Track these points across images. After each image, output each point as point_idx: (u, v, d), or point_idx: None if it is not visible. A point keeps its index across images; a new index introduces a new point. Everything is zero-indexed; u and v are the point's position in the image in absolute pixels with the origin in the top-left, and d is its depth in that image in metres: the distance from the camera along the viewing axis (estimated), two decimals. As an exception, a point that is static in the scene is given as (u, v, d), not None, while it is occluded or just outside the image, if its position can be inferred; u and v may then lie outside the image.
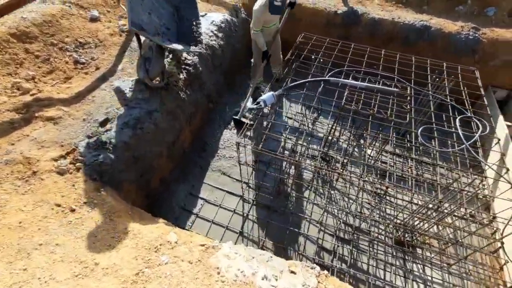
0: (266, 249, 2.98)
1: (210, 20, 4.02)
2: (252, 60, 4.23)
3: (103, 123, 2.75)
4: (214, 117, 4.15)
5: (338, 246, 3.02)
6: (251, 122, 3.34)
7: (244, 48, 4.39)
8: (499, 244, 2.54)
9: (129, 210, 2.40)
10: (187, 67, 3.44)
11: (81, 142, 2.59)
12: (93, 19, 3.71)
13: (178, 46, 3.02)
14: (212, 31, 3.91)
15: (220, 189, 3.43)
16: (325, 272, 1.91)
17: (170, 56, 3.46)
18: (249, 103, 4.23)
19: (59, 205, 2.12)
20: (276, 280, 1.74)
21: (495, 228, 2.97)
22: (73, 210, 2.12)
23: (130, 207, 2.47)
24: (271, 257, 1.96)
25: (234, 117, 3.85)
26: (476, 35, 4.06)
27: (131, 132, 2.74)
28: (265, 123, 4.05)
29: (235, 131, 3.95)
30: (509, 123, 3.73)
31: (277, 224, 3.12)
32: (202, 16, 4.11)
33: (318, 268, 1.92)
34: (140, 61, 2.97)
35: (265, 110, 3.98)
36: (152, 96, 3.03)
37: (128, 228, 2.10)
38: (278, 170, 3.45)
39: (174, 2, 3.28)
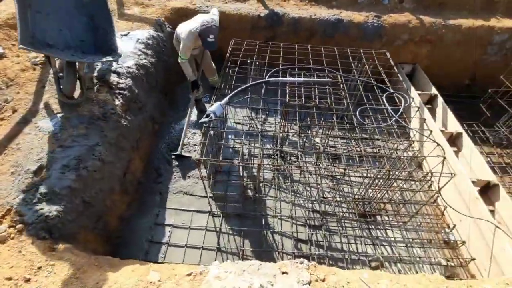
0: (246, 257, 2.98)
1: (135, 39, 3.80)
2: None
3: (37, 172, 2.39)
4: (161, 138, 3.95)
5: (312, 234, 3.18)
6: (194, 156, 3.40)
7: (176, 61, 4.28)
8: (437, 195, 3.01)
9: (94, 261, 2.14)
10: (121, 91, 3.20)
11: (16, 199, 2.21)
12: (-4, 56, 3.18)
13: (84, 59, 2.90)
14: (140, 50, 3.71)
15: (186, 210, 3.29)
16: (313, 262, 2.01)
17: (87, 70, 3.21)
18: (194, 116, 4.17)
19: (10, 279, 1.79)
20: (272, 285, 1.77)
21: (430, 182, 3.51)
22: (27, 280, 1.81)
23: (93, 257, 2.21)
24: (260, 264, 1.98)
25: (174, 153, 3.70)
26: (379, 21, 4.70)
27: (74, 174, 2.44)
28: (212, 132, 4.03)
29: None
30: (420, 92, 4.43)
31: (251, 229, 3.15)
32: (125, 35, 3.87)
33: (305, 261, 2.01)
34: (54, 79, 2.85)
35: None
36: (89, 129, 2.74)
37: (101, 281, 1.88)
38: (240, 177, 3.47)
39: (88, 9, 3.03)
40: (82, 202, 2.44)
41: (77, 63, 2.90)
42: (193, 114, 4.36)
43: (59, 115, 2.80)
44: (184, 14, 4.42)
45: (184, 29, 3.55)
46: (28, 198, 2.24)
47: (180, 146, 3.66)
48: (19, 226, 2.12)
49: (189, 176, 3.55)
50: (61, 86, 2.86)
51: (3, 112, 2.89)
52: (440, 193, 2.99)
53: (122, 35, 3.81)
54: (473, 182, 3.26)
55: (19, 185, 2.30)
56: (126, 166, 3.07)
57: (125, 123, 3.07)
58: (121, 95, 3.16)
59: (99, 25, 3.05)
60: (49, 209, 2.21)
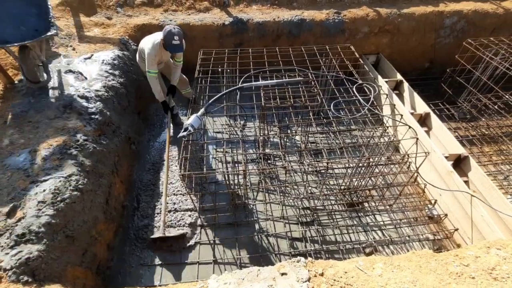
0: (245, 265, 2.95)
1: (100, 61, 3.69)
2: None
3: (10, 213, 2.24)
4: (141, 158, 3.85)
5: (305, 231, 3.22)
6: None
7: (146, 79, 4.20)
8: (416, 174, 3.16)
9: (86, 296, 2.03)
10: (92, 116, 3.08)
11: (-11, 246, 2.05)
12: None
13: (33, 39, 3.04)
14: (106, 71, 3.59)
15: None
16: (310, 259, 2.03)
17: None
18: (172, 130, 4.09)
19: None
20: (274, 288, 1.76)
21: (408, 163, 3.68)
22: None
23: (85, 293, 2.10)
24: (258, 270, 1.97)
25: (152, 236, 3.01)
26: (340, 17, 4.89)
27: (52, 209, 2.31)
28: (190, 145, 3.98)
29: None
30: (386, 79, 4.64)
31: (245, 236, 3.13)
32: (89, 58, 3.74)
33: (302, 259, 2.03)
34: (20, 68, 3.21)
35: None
36: (62, 160, 2.61)
37: (96, 316, 1.78)
38: (227, 185, 3.45)
39: None
40: (65, 237, 2.31)
41: (30, 49, 3.09)
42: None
43: (27, 150, 2.65)
44: (148, 30, 4.35)
45: (146, 42, 3.44)
46: (3, 242, 2.08)
47: (161, 226, 3.00)
48: (-2, 273, 1.97)
49: (174, 194, 3.47)
50: (25, 74, 3.13)
51: (-37, 154, 2.68)
52: (418, 172, 3.15)
53: (85, 59, 3.69)
54: (446, 157, 3.45)
55: (-9, 230, 2.14)
56: (108, 192, 2.94)
57: (100, 148, 2.95)
58: (92, 120, 3.04)
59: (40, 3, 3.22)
60: (29, 250, 2.07)
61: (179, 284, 2.16)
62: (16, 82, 3.36)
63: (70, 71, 3.50)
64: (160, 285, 2.75)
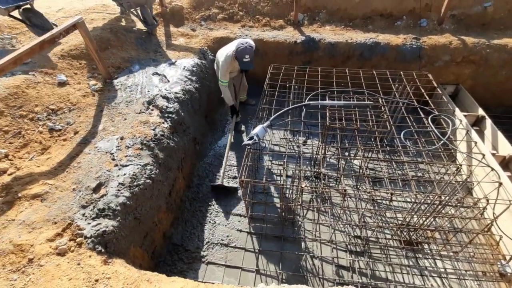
0: (285, 281, 2.92)
1: (182, 66, 4.11)
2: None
3: (96, 189, 2.60)
4: (202, 158, 4.13)
5: (354, 260, 3.06)
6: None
7: (217, 86, 4.55)
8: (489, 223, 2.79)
9: (145, 276, 2.23)
10: (169, 115, 3.44)
11: (76, 214, 2.41)
12: (62, 84, 3.59)
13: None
14: (186, 77, 3.99)
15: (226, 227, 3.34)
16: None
17: None
18: (231, 138, 4.31)
19: (70, 291, 1.92)
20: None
21: (482, 209, 3.26)
22: (88, 292, 1.93)
23: (143, 273, 2.30)
24: (307, 289, 1.94)
25: (213, 183, 3.66)
26: (418, 43, 4.65)
27: (128, 192, 2.62)
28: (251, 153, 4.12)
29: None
30: (465, 113, 4.24)
31: (290, 252, 3.10)
32: (173, 63, 4.20)
33: None
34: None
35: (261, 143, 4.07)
36: (142, 150, 2.95)
37: (154, 296, 1.95)
38: (280, 198, 3.48)
39: None
40: (133, 219, 2.59)
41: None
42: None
43: (115, 137, 3.06)
44: (225, 42, 4.70)
45: (221, 53, 3.83)
46: (87, 213, 2.42)
47: (221, 176, 3.62)
48: (79, 239, 2.28)
49: (226, 199, 3.62)
50: (147, 20, 4.68)
51: (66, 133, 3.22)
52: (496, 222, 2.77)
53: (170, 63, 4.15)
54: (534, 211, 2.98)
55: (79, 201, 2.50)
56: (172, 185, 3.22)
57: (172, 144, 3.26)
58: (169, 118, 3.39)
59: None
60: (106, 224, 2.37)
61: (231, 285, 2.23)
62: (114, 78, 3.93)
63: (157, 73, 3.97)
64: (205, 282, 2.87)
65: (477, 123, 4.36)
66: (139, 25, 4.83)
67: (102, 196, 2.54)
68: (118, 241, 2.39)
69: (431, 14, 4.98)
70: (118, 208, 2.49)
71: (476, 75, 4.69)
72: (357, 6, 5.10)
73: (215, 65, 4.12)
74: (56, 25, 4.28)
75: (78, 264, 2.16)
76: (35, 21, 4.12)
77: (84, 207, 2.47)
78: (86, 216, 2.41)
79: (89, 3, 5.76)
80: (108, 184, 2.64)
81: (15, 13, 3.98)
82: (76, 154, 2.96)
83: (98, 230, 2.33)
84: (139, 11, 4.47)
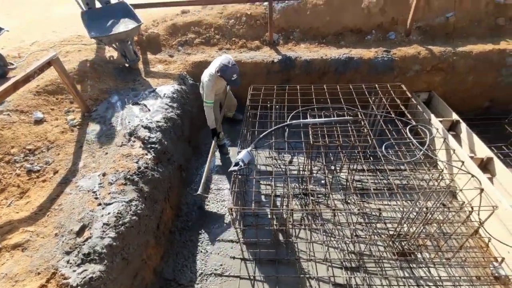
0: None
1: (162, 94, 4.10)
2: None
3: (80, 232, 2.49)
4: (188, 184, 4.06)
5: (350, 277, 3.04)
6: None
7: (199, 110, 4.55)
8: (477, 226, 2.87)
9: (137, 321, 2.13)
10: (152, 145, 3.38)
11: (60, 261, 2.28)
12: (38, 121, 3.49)
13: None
14: (166, 104, 3.97)
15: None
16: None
17: None
18: (218, 161, 4.28)
19: None
20: None
21: (468, 212, 3.36)
22: None
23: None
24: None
25: (195, 193, 3.71)
26: (389, 55, 4.87)
27: (114, 232, 2.51)
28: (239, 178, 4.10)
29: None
30: (440, 119, 4.42)
31: (286, 276, 3.05)
32: (153, 91, 4.18)
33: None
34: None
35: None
36: (126, 185, 2.87)
37: None
38: (270, 219, 3.45)
39: None
40: (121, 260, 2.48)
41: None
42: (217, 159, 4.50)
43: (97, 173, 2.97)
44: (204, 67, 4.73)
45: (205, 74, 3.89)
46: (72, 259, 2.30)
47: (201, 186, 3.65)
48: (64, 289, 2.16)
49: (216, 225, 3.56)
50: (127, 56, 4.62)
51: (45, 174, 3.09)
52: (482, 225, 2.86)
53: (150, 92, 4.13)
54: (515, 210, 3.09)
55: (63, 247, 2.38)
56: (160, 217, 3.13)
57: (157, 176, 3.20)
58: (152, 149, 3.33)
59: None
60: (93, 270, 2.25)
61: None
62: (93, 110, 3.85)
63: (137, 103, 3.93)
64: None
65: (453, 127, 4.55)
66: (117, 54, 4.79)
67: (86, 240, 2.43)
68: (106, 286, 2.28)
69: (398, 27, 5.25)
70: (104, 250, 2.38)
71: (446, 82, 4.94)
72: (328, 24, 5.31)
73: (200, 88, 4.13)
74: (13, 64, 4.45)
75: (65, 317, 2.03)
76: None
77: (68, 253, 2.35)
78: (70, 263, 2.29)
79: (63, 35, 5.69)
80: (92, 225, 2.53)
81: None
82: (57, 196, 2.84)
83: (84, 277, 2.21)
84: (119, 46, 4.45)
